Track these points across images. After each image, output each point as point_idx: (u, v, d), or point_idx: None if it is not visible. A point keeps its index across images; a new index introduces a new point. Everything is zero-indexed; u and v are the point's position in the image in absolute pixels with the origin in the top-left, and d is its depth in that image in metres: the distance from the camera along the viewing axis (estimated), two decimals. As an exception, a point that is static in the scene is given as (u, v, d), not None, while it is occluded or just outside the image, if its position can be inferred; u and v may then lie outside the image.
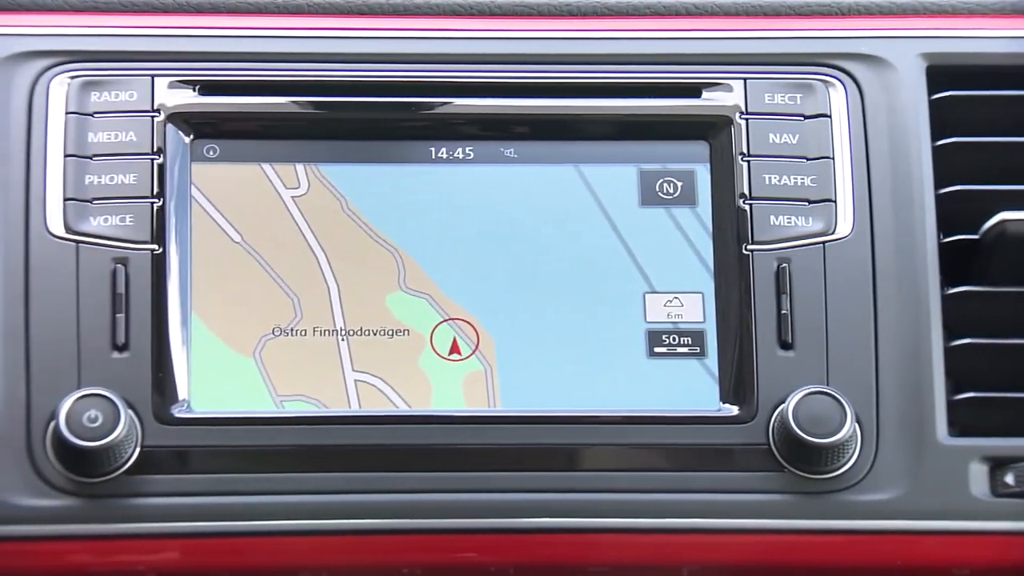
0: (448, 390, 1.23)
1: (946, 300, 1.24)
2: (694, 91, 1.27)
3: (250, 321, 1.22)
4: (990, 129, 1.28)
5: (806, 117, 1.27)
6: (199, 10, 1.29)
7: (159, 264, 1.22)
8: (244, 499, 1.20)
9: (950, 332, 1.24)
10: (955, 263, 1.26)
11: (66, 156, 1.23)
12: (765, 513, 1.21)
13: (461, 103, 1.27)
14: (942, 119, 1.28)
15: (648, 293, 1.25)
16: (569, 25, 1.30)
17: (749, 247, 1.24)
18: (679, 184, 1.26)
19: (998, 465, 1.23)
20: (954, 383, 1.24)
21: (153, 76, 1.25)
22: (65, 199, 1.22)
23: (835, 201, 1.25)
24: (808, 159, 1.26)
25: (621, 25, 1.31)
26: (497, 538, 1.21)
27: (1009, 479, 1.22)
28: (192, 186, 1.24)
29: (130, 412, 1.18)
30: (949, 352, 1.23)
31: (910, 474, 1.22)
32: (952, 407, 1.23)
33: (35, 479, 1.19)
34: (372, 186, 1.25)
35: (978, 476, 1.22)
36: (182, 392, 1.21)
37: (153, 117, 1.24)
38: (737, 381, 1.22)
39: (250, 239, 1.24)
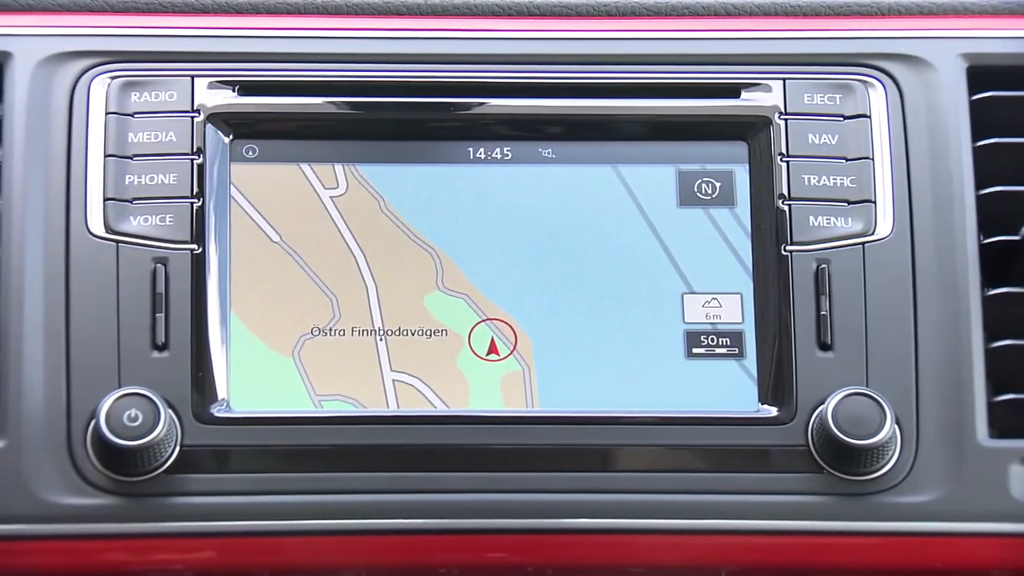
0: (486, 390, 1.23)
1: (986, 301, 1.24)
2: (733, 91, 1.27)
3: (289, 321, 1.23)
4: (1031, 130, 1.28)
5: (845, 117, 1.27)
6: (238, 11, 1.29)
7: (199, 264, 1.22)
8: (283, 498, 1.20)
9: (990, 334, 1.24)
10: (995, 264, 1.25)
11: (106, 156, 1.24)
12: (804, 515, 1.21)
13: (497, 103, 1.27)
14: (982, 120, 1.27)
15: (686, 294, 1.25)
16: (607, 25, 1.30)
17: (788, 248, 1.24)
18: (718, 184, 1.26)
19: (1039, 467, 1.22)
20: (994, 385, 1.23)
21: (193, 76, 1.26)
22: (105, 199, 1.23)
23: (875, 202, 1.25)
24: (847, 159, 1.26)
25: (659, 25, 1.31)
26: (535, 539, 1.21)
27: (1050, 481, 1.22)
28: (231, 186, 1.25)
29: (170, 411, 1.19)
30: (989, 354, 1.23)
31: (950, 476, 1.21)
32: (992, 409, 1.23)
33: (75, 478, 1.19)
34: (410, 186, 1.25)
35: (1018, 478, 1.22)
36: (221, 391, 1.21)
37: (193, 117, 1.25)
38: (776, 382, 1.22)
39: (289, 239, 1.24)
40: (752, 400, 1.23)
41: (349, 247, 1.24)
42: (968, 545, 1.21)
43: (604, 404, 1.22)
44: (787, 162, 1.25)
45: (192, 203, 1.23)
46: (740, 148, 1.27)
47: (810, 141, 1.26)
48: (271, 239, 1.24)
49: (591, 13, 1.31)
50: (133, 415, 1.18)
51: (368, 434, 1.21)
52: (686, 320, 1.24)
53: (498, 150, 1.27)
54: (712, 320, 1.24)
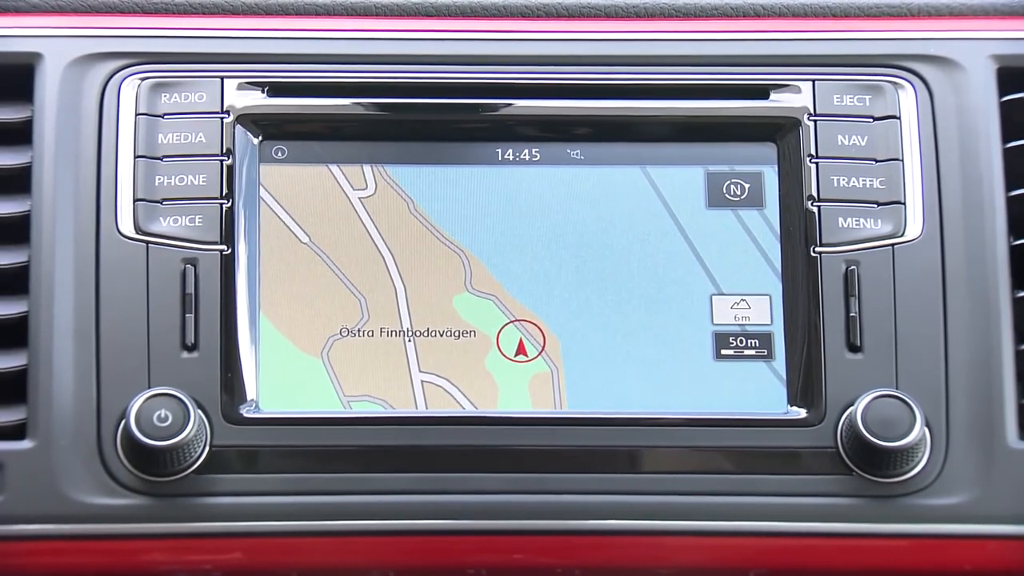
0: (514, 391, 1.23)
1: (1017, 303, 1.23)
2: (762, 92, 1.27)
3: (317, 321, 1.23)
4: (1062, 131, 1.27)
5: (875, 119, 1.26)
6: (267, 12, 1.30)
7: (228, 265, 1.23)
8: (312, 499, 1.20)
9: (1020, 335, 1.23)
10: (1026, 266, 1.25)
11: (136, 157, 1.24)
12: (833, 517, 1.21)
13: (525, 104, 1.27)
14: (1013, 121, 1.27)
15: (715, 295, 1.24)
16: (635, 27, 1.30)
17: (817, 249, 1.24)
18: (746, 186, 1.26)
19: (1069, 470, 1.22)
20: (1024, 387, 1.24)
21: (222, 78, 1.26)
22: (135, 200, 1.23)
23: (904, 203, 1.24)
24: (877, 161, 1.25)
25: (688, 27, 1.30)
26: (563, 540, 1.21)
27: (1080, 484, 1.21)
28: (260, 187, 1.25)
29: (199, 412, 1.19)
30: (1020, 355, 1.23)
31: (980, 478, 1.21)
32: (1023, 411, 1.22)
33: (105, 478, 1.20)
34: (439, 187, 1.26)
35: (1049, 481, 1.22)
36: (250, 392, 1.21)
37: (222, 118, 1.25)
38: (805, 384, 1.22)
39: (318, 240, 1.24)
40: (781, 402, 1.23)
41: (378, 248, 1.24)
42: (998, 548, 1.21)
43: (632, 405, 1.22)
44: (816, 163, 1.25)
45: (221, 204, 1.23)
46: (769, 149, 1.27)
47: (839, 142, 1.26)
48: (300, 240, 1.24)
49: (619, 14, 1.31)
50: (163, 415, 1.18)
51: (396, 435, 1.21)
52: (715, 321, 1.24)
53: (526, 151, 1.27)
54: (741, 322, 1.24)
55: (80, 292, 1.21)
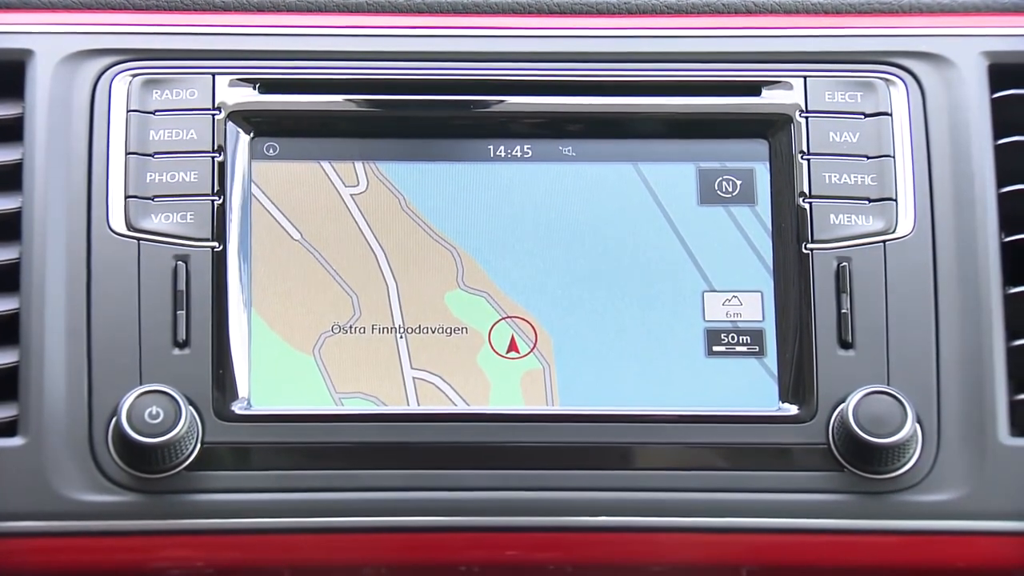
0: (506, 388, 1.23)
1: (1008, 300, 1.24)
2: (754, 89, 1.27)
3: (309, 318, 1.23)
4: (1053, 127, 1.27)
5: (867, 115, 1.26)
6: (259, 8, 1.30)
7: (219, 261, 1.22)
8: (303, 496, 1.20)
9: (1011, 332, 1.24)
10: (1017, 262, 1.25)
11: (128, 154, 1.24)
12: (825, 513, 1.21)
13: (517, 101, 1.27)
14: (1004, 117, 1.27)
15: (707, 292, 1.24)
16: (628, 23, 1.30)
17: (809, 246, 1.24)
18: (738, 182, 1.26)
19: (1061, 466, 1.22)
20: (1016, 383, 1.23)
21: (214, 74, 1.26)
22: (127, 196, 1.23)
23: (896, 200, 1.25)
24: (869, 157, 1.25)
25: (680, 23, 1.30)
26: (555, 536, 1.21)
27: (1072, 480, 1.21)
28: (252, 184, 1.25)
29: (191, 409, 1.19)
30: (1011, 352, 1.23)
31: (972, 474, 1.21)
32: (1014, 407, 1.22)
33: (97, 475, 1.20)
34: (431, 184, 1.26)
35: (1041, 477, 1.22)
36: (242, 389, 1.21)
37: (214, 115, 1.25)
38: (796, 380, 1.22)
39: (309, 237, 1.24)
40: (772, 398, 1.23)
41: (370, 245, 1.24)
42: (990, 544, 1.21)
43: (624, 402, 1.22)
44: (808, 160, 1.25)
45: (213, 201, 1.23)
46: (761, 146, 1.27)
47: (831, 139, 1.26)
48: (292, 237, 1.24)
49: (611, 11, 1.31)
50: (154, 412, 1.18)
51: (388, 432, 1.21)
52: (706, 318, 1.24)
53: (518, 148, 1.27)
54: (732, 318, 1.24)
55: (71, 289, 1.21)
